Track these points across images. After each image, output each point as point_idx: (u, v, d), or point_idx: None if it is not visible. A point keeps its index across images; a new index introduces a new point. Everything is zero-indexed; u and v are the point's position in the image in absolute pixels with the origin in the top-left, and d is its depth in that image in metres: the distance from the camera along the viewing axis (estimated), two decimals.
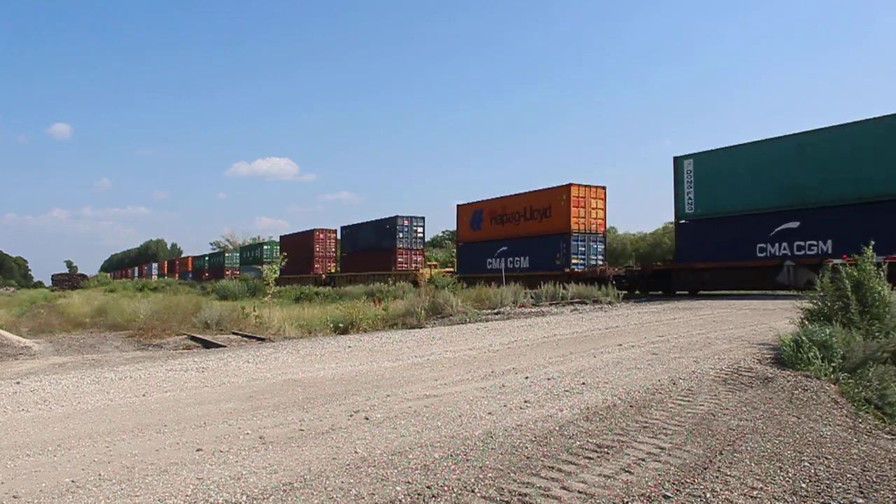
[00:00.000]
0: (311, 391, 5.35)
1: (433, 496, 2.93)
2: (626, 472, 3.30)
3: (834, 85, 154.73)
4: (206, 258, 74.93)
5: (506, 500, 2.92)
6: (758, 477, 3.32)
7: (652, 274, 22.56)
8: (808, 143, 18.35)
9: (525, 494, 2.97)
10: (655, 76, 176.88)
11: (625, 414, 4.44)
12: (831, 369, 5.85)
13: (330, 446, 3.68)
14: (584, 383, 5.44)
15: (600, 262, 26.22)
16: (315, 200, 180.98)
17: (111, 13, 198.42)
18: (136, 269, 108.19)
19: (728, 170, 20.38)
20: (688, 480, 3.21)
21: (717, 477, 3.28)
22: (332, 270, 46.81)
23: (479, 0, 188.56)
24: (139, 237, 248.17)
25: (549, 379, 5.67)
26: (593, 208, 26.59)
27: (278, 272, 18.21)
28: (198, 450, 3.63)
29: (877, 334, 6.77)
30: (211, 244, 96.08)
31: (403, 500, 2.88)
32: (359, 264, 41.33)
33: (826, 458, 3.70)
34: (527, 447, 3.66)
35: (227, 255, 68.29)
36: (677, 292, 21.81)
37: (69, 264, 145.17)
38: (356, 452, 3.55)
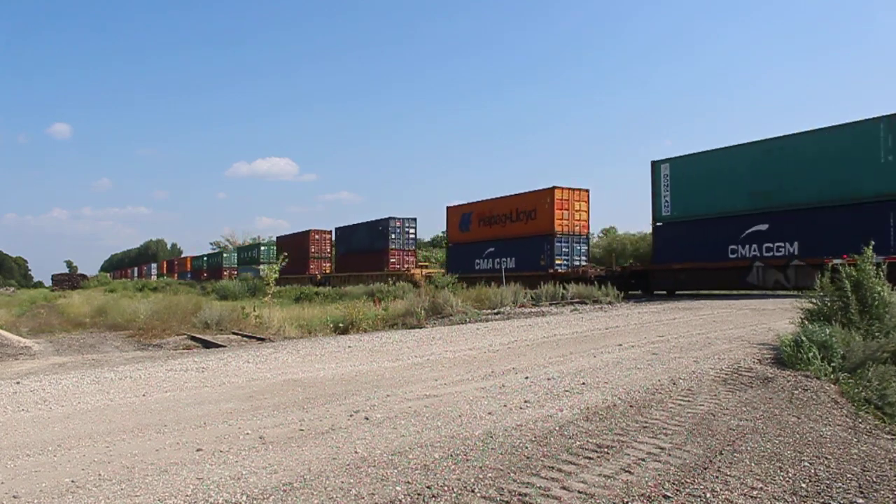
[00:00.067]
0: (311, 391, 5.35)
1: (433, 496, 2.93)
2: (626, 472, 3.30)
3: (834, 85, 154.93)
4: (205, 258, 75.12)
5: (506, 500, 2.92)
6: (758, 477, 3.32)
7: (631, 274, 23.10)
8: (775, 149, 19.00)
9: (525, 494, 2.97)
10: (655, 76, 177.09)
11: (625, 414, 4.44)
12: (831, 369, 5.86)
13: (330, 446, 3.68)
14: (584, 383, 5.44)
15: (583, 263, 26.90)
16: (315, 200, 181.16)
17: (111, 13, 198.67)
18: (136, 269, 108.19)
19: (703, 174, 21.08)
20: (688, 480, 3.22)
21: (717, 477, 3.28)
22: (328, 271, 47.32)
23: (479, 0, 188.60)
24: (139, 237, 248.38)
25: (549, 379, 5.67)
26: (577, 210, 27.32)
27: (278, 272, 18.18)
28: (198, 450, 3.63)
29: (876, 334, 6.77)
30: (211, 244, 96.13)
31: (403, 500, 2.88)
32: (353, 265, 41.91)
33: (826, 458, 3.70)
34: (527, 447, 3.66)
35: (225, 255, 68.64)
36: (655, 292, 22.39)
37: (69, 264, 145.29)
38: (356, 452, 3.56)
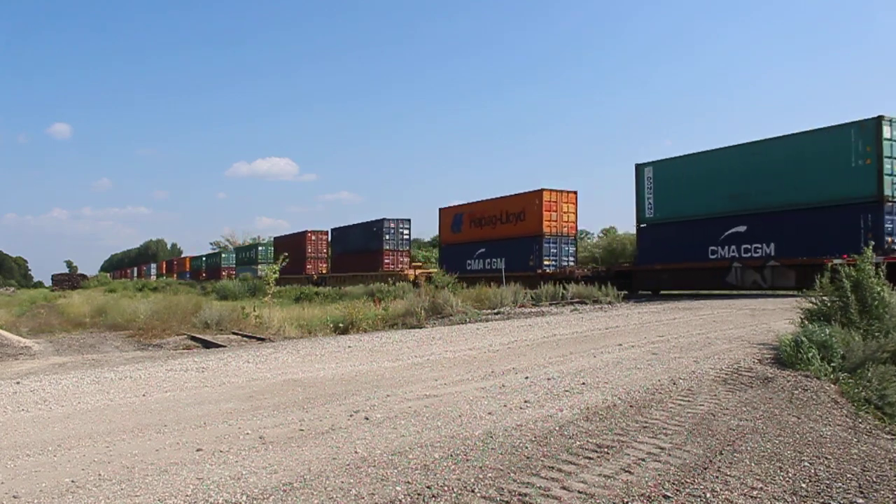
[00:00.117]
0: (311, 391, 5.35)
1: (433, 496, 2.93)
2: (626, 472, 3.30)
3: (834, 85, 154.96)
4: (204, 259, 75.35)
5: (506, 500, 2.92)
6: (758, 477, 3.32)
7: (616, 275, 23.49)
8: (753, 153, 19.50)
9: (525, 494, 2.97)
10: (655, 76, 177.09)
11: (625, 414, 4.44)
12: (831, 369, 5.86)
13: (330, 446, 3.68)
14: (584, 383, 5.44)
15: (571, 264, 27.57)
16: (315, 200, 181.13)
17: (111, 13, 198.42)
18: (136, 269, 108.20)
19: (685, 177, 21.63)
20: (688, 480, 3.22)
21: (717, 477, 3.29)
22: (324, 271, 47.97)
23: (479, 0, 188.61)
24: (139, 237, 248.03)
25: (549, 379, 5.67)
26: (565, 212, 28.00)
27: (278, 272, 18.17)
28: (198, 450, 3.63)
29: (876, 334, 6.77)
30: (211, 244, 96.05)
31: (403, 500, 2.88)
32: (348, 265, 42.56)
33: (826, 458, 3.70)
34: (527, 447, 3.66)
35: (223, 255, 69.02)
36: (639, 292, 22.84)
37: (69, 264, 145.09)
38: (356, 452, 3.56)
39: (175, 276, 79.54)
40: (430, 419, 4.28)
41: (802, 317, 7.73)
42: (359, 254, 41.62)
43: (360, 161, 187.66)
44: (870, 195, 16.41)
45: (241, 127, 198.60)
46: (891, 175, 16.30)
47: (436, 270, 34.40)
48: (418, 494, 2.94)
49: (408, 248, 41.11)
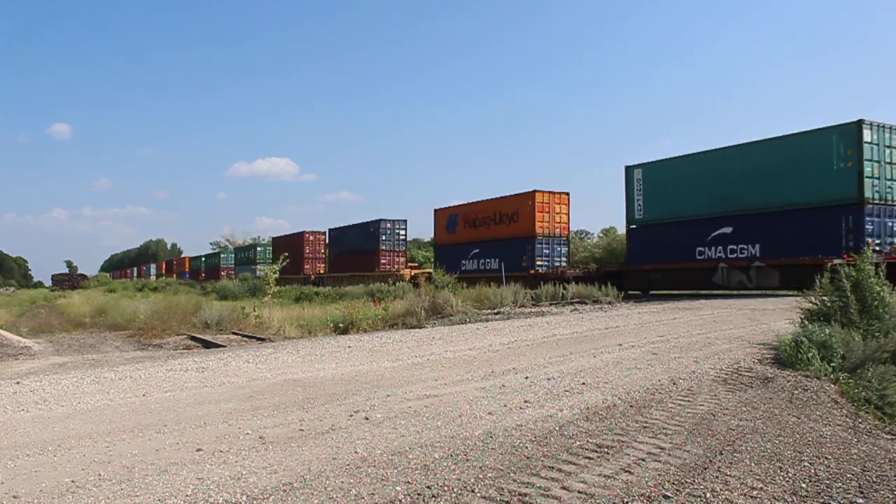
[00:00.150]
0: (311, 391, 5.35)
1: (433, 496, 2.93)
2: (626, 472, 3.30)
3: (834, 85, 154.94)
4: (203, 259, 75.56)
5: (506, 500, 2.92)
6: (758, 477, 3.32)
7: (606, 275, 23.81)
8: (739, 156, 19.99)
9: (525, 494, 2.97)
10: (655, 76, 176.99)
11: (625, 414, 4.44)
12: (831, 369, 5.86)
13: (330, 446, 3.68)
14: (584, 383, 5.44)
15: (563, 264, 28.05)
16: (315, 200, 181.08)
17: (111, 13, 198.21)
18: (135, 269, 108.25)
19: (673, 179, 22.09)
20: (688, 480, 3.22)
21: (717, 477, 3.29)
22: (321, 271, 48.43)
23: (479, 0, 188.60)
24: (139, 237, 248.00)
25: (549, 379, 5.67)
26: (557, 213, 28.51)
27: (278, 272, 18.17)
28: (198, 450, 3.63)
29: (876, 334, 6.77)
30: (211, 244, 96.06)
31: (403, 500, 2.88)
32: (345, 265, 42.98)
33: (826, 458, 3.70)
34: (527, 447, 3.66)
35: (222, 255, 69.40)
36: (629, 292, 23.21)
37: (69, 264, 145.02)
38: (356, 452, 3.56)
39: (174, 276, 79.67)
40: (430, 419, 4.29)
41: (802, 317, 7.73)
42: (356, 254, 42.11)
43: (360, 161, 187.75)
44: (851, 197, 16.86)
45: (241, 127, 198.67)
46: (871, 177, 16.78)
47: (430, 271, 34.83)
48: (418, 494, 2.94)
49: (404, 248, 41.60)
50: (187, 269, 78.38)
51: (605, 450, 3.64)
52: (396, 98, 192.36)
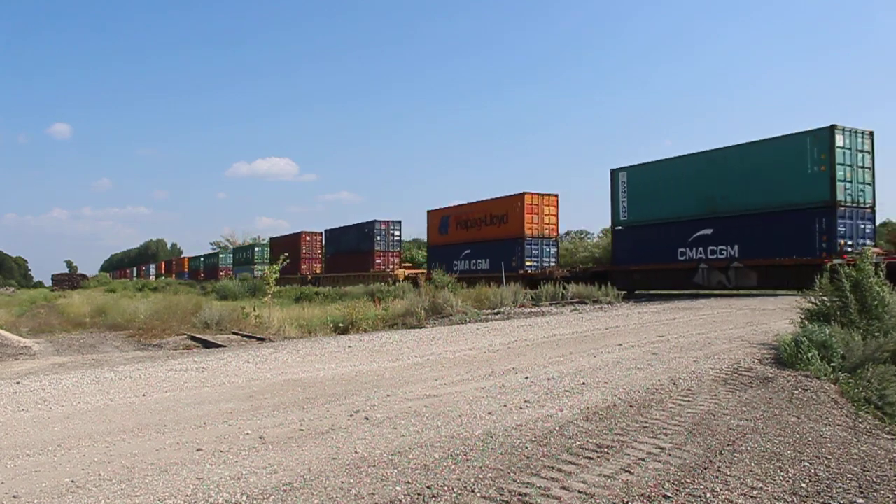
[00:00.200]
0: (311, 391, 5.36)
1: (433, 496, 2.93)
2: (626, 472, 3.30)
3: (834, 85, 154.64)
4: (202, 259, 75.72)
5: (506, 500, 2.92)
6: (758, 477, 3.32)
7: (592, 275, 24.17)
8: (719, 159, 20.77)
9: (525, 494, 2.97)
10: (655, 76, 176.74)
11: (625, 414, 4.44)
12: (831, 369, 5.86)
13: (330, 446, 3.68)
14: (584, 383, 5.44)
15: (552, 264, 28.48)
16: (315, 200, 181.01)
17: (111, 13, 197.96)
18: (135, 269, 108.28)
19: (656, 181, 22.65)
20: (688, 480, 3.22)
21: (717, 477, 3.29)
22: (318, 271, 48.95)
23: (479, 0, 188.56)
24: (139, 237, 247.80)
25: (549, 379, 5.67)
26: (546, 214, 29.03)
27: (279, 272, 18.18)
28: (198, 450, 3.63)
29: (876, 334, 6.78)
30: (211, 244, 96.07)
31: (403, 500, 2.88)
32: (341, 265, 43.49)
33: (826, 458, 3.71)
34: (527, 447, 3.66)
35: (221, 255, 69.74)
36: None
37: (69, 264, 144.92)
38: (356, 452, 3.56)
39: (174, 276, 79.79)
40: (430, 419, 4.29)
41: (802, 317, 7.74)
42: (351, 254, 42.72)
43: (359, 161, 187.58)
44: (824, 200, 17.37)
45: (241, 127, 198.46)
46: (843, 181, 17.34)
47: (424, 271, 35.24)
48: (418, 494, 2.94)
49: (398, 248, 42.21)
50: (186, 270, 78.53)
51: (605, 450, 3.64)
52: (396, 98, 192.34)
